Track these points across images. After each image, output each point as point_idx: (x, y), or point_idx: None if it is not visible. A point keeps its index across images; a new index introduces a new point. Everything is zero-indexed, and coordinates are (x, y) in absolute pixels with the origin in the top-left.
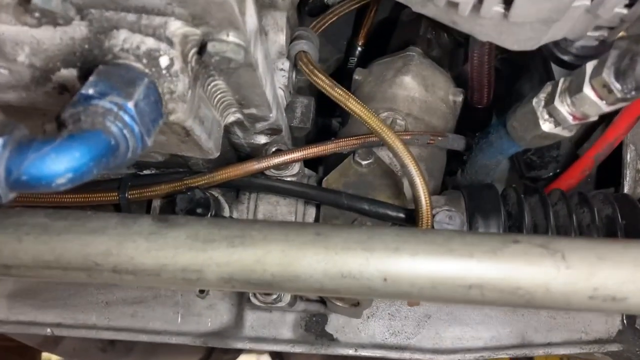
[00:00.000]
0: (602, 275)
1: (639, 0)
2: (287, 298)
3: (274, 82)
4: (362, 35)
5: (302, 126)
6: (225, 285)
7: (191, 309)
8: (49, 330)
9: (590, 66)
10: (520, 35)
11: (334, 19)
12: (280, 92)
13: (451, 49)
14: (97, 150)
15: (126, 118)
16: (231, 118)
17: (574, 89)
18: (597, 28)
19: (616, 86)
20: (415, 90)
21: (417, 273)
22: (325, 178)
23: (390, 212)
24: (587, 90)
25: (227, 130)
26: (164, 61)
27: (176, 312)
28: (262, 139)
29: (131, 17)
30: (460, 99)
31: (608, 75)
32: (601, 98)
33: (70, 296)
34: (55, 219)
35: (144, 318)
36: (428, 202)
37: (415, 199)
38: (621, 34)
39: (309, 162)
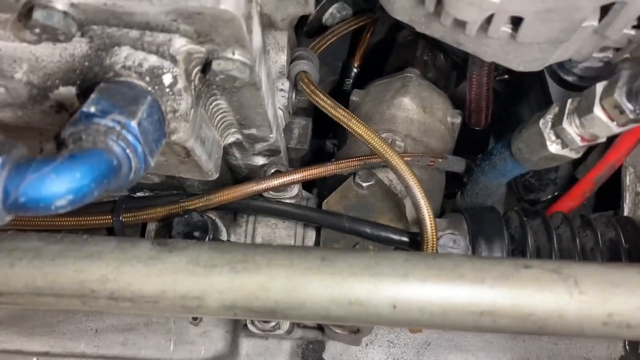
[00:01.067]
0: (617, 301)
1: None
2: (285, 325)
3: (275, 103)
4: (358, 57)
5: (300, 147)
6: (227, 312)
7: (184, 337)
8: (35, 359)
9: (600, 87)
10: (526, 56)
11: (333, 39)
12: (280, 113)
13: (447, 70)
14: (99, 171)
15: (129, 137)
16: (231, 139)
17: (584, 110)
18: (603, 49)
19: (628, 107)
20: (414, 111)
21: (428, 299)
22: (326, 200)
23: (393, 236)
24: (598, 111)
25: (225, 151)
26: (167, 79)
27: (169, 340)
28: (260, 160)
29: (134, 33)
30: (458, 120)
31: (620, 95)
32: (612, 119)
33: (58, 323)
34: (49, 243)
35: (135, 346)
36: (433, 225)
37: (420, 221)
38: (626, 55)
39: (302, 184)
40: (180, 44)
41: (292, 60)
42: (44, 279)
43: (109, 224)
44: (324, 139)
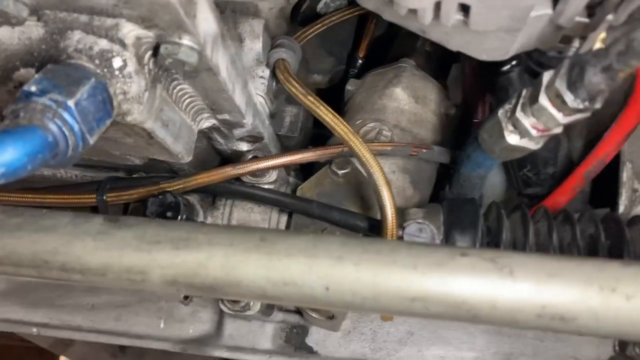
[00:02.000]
0: (551, 293)
1: (597, 11)
2: (256, 306)
3: (250, 89)
4: (362, 47)
5: (290, 135)
6: (169, 287)
7: (174, 315)
8: (34, 330)
9: (547, 76)
10: (486, 44)
11: (322, 28)
12: (261, 100)
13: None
14: (32, 147)
15: (66, 115)
16: (206, 123)
17: (532, 99)
18: (567, 39)
19: (569, 96)
20: (405, 101)
21: (360, 283)
22: (301, 186)
23: (360, 223)
24: (543, 100)
25: (208, 136)
26: (116, 62)
27: (159, 318)
28: (243, 146)
29: (84, 18)
30: (452, 111)
31: (561, 85)
32: (558, 109)
33: (58, 297)
34: (11, 215)
35: (128, 322)
36: (393, 212)
37: (381, 209)
38: (598, 45)
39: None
40: (128, 29)
41: (272, 47)
42: (2, 249)
43: (93, 203)
44: None
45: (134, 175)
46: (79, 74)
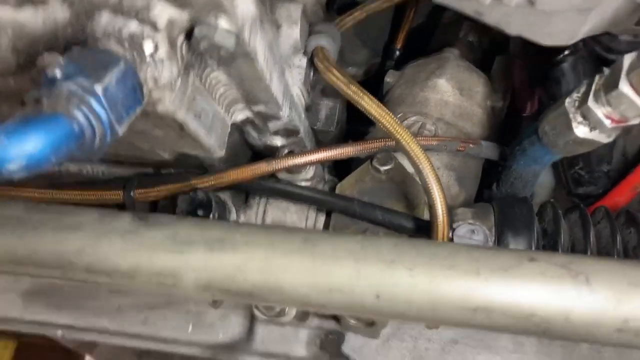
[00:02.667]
0: (635, 305)
1: None
2: (292, 312)
3: (287, 79)
4: (400, 39)
5: (326, 129)
6: (203, 293)
7: (203, 319)
8: (59, 332)
9: (628, 58)
10: (552, 27)
11: (362, 16)
12: (297, 91)
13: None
14: (56, 136)
15: (93, 103)
16: (240, 115)
17: (610, 86)
18: None
19: None
20: (449, 93)
21: (415, 290)
22: (340, 183)
23: (406, 223)
24: (624, 86)
25: (242, 130)
26: (148, 46)
27: (187, 321)
28: (278, 141)
29: None
30: (499, 104)
31: None
32: None
33: (83, 298)
34: (34, 212)
35: (155, 325)
36: (444, 212)
37: (431, 208)
38: None
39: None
40: (160, 9)
41: (310, 34)
42: (25, 248)
43: (121, 200)
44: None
45: (162, 171)
46: (107, 58)
